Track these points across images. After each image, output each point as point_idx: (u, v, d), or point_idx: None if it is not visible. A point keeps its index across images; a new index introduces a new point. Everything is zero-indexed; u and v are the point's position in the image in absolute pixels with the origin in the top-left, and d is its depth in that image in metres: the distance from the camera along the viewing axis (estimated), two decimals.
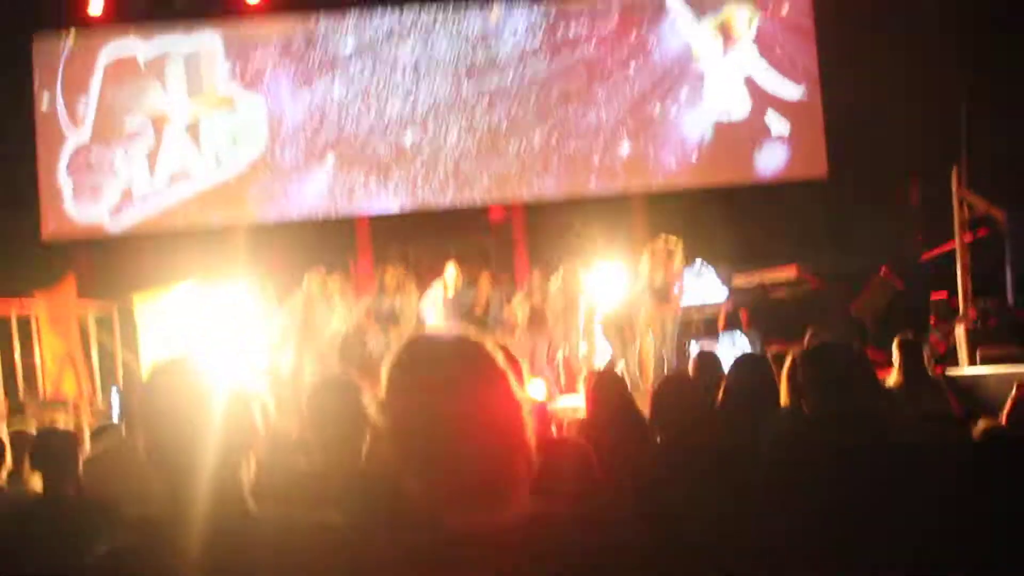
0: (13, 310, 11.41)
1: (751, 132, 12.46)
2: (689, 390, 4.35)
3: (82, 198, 12.09)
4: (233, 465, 2.00)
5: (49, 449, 4.23)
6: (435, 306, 11.03)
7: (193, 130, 12.24)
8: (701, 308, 11.93)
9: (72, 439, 4.32)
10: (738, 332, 11.82)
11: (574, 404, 9.27)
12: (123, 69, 12.61)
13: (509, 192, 12.66)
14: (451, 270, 11.49)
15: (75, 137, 12.15)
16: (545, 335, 11.11)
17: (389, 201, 12.32)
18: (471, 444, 1.76)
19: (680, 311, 10.92)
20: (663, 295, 11.05)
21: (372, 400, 3.29)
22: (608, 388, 5.39)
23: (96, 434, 5.25)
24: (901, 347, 6.49)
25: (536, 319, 11.25)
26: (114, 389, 11.17)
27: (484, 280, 11.43)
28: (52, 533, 3.75)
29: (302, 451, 4.18)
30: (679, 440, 4.05)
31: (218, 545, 1.90)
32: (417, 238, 12.63)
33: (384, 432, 1.84)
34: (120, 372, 11.59)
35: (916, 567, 2.75)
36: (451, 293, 11.31)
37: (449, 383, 1.80)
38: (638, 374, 10.74)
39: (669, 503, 3.48)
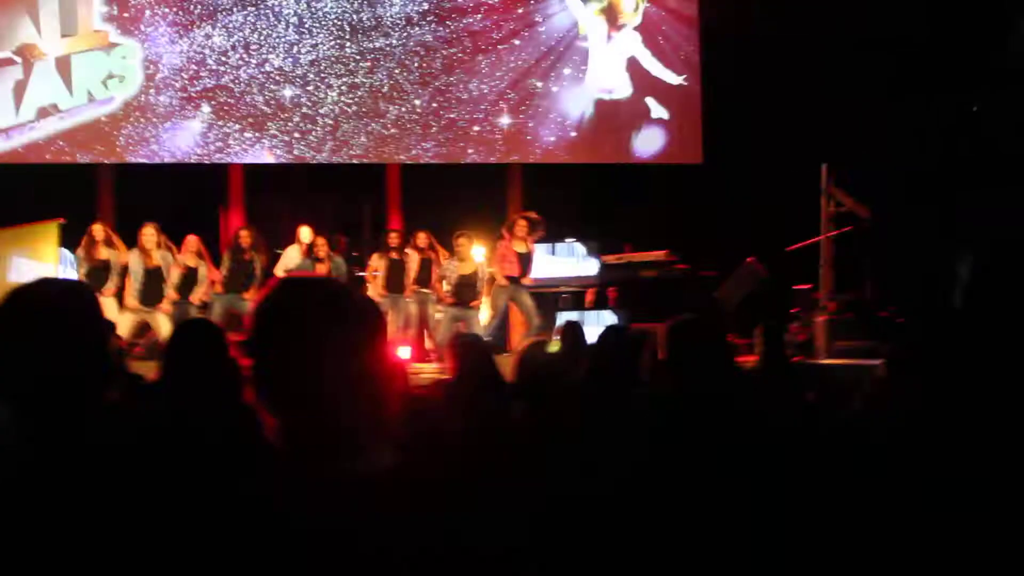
0: None
1: (631, 113, 12.79)
2: (552, 356, 4.50)
3: None
4: (83, 398, 1.96)
5: None
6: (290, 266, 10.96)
7: (64, 65, 12.03)
8: (569, 282, 12.12)
9: None
10: (605, 310, 12.04)
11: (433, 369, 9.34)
12: None
13: (386, 154, 12.58)
14: (305, 231, 11.41)
15: None
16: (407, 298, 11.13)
17: (264, 154, 12.18)
18: (342, 389, 1.75)
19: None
20: (528, 267, 11.64)
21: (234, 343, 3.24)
22: (470, 348, 5.38)
23: None
24: (763, 333, 6.76)
25: (395, 281, 11.12)
26: None
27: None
28: None
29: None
30: (540, 404, 4.18)
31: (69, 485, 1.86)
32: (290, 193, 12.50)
33: (251, 375, 1.79)
34: None
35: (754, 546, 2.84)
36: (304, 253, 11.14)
37: (322, 324, 1.78)
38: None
39: (526, 466, 3.52)
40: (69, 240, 11.66)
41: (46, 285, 2.04)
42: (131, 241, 10.59)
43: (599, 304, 12.41)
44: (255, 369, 1.74)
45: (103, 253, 11.01)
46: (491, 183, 12.75)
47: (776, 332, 7.44)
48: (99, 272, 10.95)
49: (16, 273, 12.15)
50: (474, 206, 12.10)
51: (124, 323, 10.20)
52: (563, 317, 11.82)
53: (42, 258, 11.85)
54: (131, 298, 10.72)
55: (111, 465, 1.84)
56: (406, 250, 10.99)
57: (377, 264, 11.30)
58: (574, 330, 7.17)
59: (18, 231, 11.80)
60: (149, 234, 10.81)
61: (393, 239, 11.32)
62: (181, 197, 11.88)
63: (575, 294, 12.31)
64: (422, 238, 10.95)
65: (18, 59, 11.97)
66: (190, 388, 3.43)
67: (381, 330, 1.80)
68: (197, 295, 10.81)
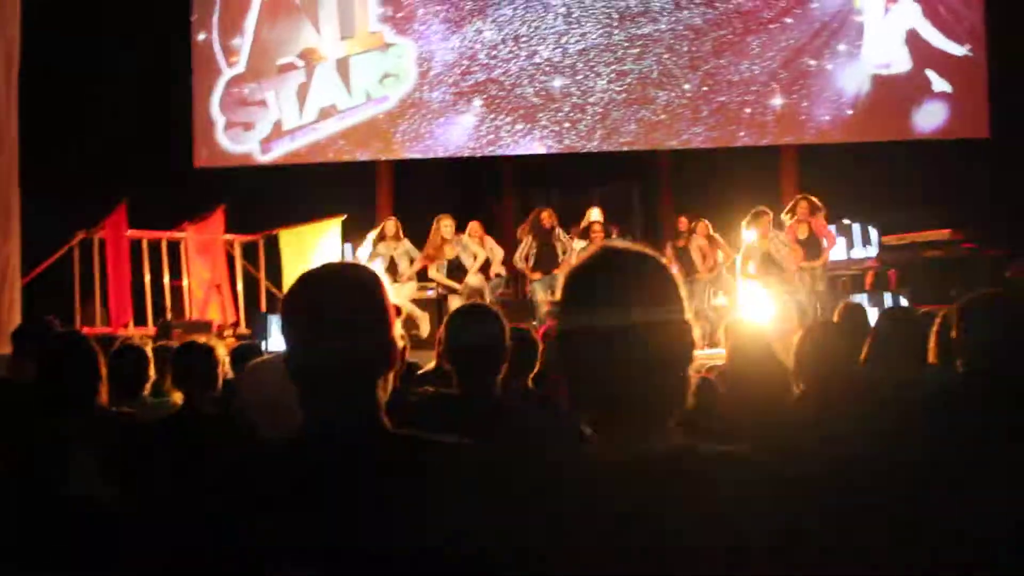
0: (164, 238, 12.31)
1: (911, 88, 13.52)
2: (834, 339, 4.44)
3: (234, 130, 13.80)
4: (371, 382, 2.03)
5: (190, 363, 4.62)
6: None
7: (343, 67, 13.91)
8: (848, 265, 12.22)
9: (212, 354, 4.69)
10: (886, 292, 12.09)
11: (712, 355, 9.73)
12: (277, 6, 15.42)
13: (656, 141, 13.56)
14: (596, 211, 13.08)
15: (229, 71, 13.56)
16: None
17: (535, 145, 12.88)
18: (640, 364, 1.85)
19: (826, 266, 11.22)
20: (813, 250, 12.12)
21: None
22: (747, 335, 5.77)
23: (236, 355, 5.64)
24: None
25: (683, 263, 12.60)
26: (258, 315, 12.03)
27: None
28: (187, 447, 3.98)
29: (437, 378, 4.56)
30: (822, 389, 4.18)
31: (353, 465, 1.97)
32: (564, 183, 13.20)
33: (555, 347, 1.95)
34: (264, 299, 12.51)
35: None
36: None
37: (632, 294, 1.88)
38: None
39: (808, 451, 3.54)
40: (350, 235, 12.54)
41: (333, 269, 2.16)
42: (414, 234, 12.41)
43: (880, 286, 12.57)
44: (560, 343, 1.91)
45: (394, 246, 12.48)
46: (764, 166, 12.87)
47: None
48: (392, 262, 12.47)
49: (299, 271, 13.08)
50: (747, 190, 12.26)
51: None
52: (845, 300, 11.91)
53: (326, 254, 12.90)
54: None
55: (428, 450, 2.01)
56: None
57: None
58: (855, 313, 7.28)
59: (303, 228, 12.85)
60: (447, 225, 12.29)
61: (683, 224, 12.79)
62: (455, 190, 12.61)
63: (854, 276, 12.38)
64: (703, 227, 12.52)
65: (301, 63, 13.63)
66: (467, 376, 3.60)
67: (681, 301, 1.93)
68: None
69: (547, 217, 12.55)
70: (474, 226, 12.68)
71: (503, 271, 12.64)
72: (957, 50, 14.06)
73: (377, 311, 2.04)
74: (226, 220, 13.71)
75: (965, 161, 13.61)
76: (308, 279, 2.08)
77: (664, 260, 1.96)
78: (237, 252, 14.13)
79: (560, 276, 11.74)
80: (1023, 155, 13.16)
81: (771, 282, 12.12)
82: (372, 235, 12.42)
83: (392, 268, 12.15)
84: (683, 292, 1.91)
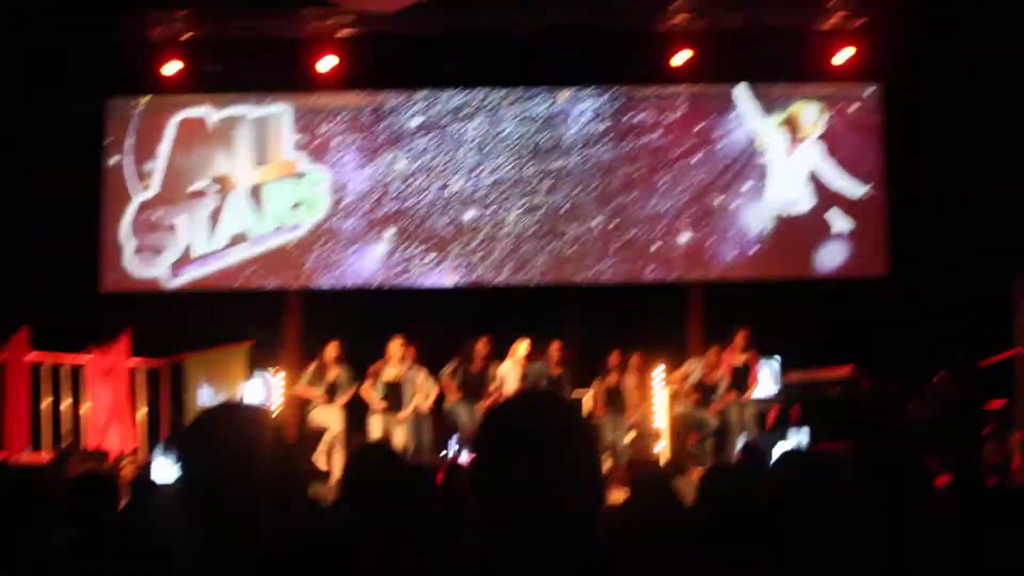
0: (67, 362, 12.31)
1: (812, 228, 14.11)
2: (736, 481, 4.62)
3: (143, 255, 14.12)
4: (278, 505, 2.17)
5: (85, 494, 4.72)
6: (510, 375, 12.97)
7: (256, 194, 14.65)
8: (753, 403, 12.58)
9: (109, 484, 4.84)
10: (789, 429, 12.44)
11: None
12: (192, 133, 14.98)
13: (566, 275, 14.95)
14: (523, 345, 13.32)
15: (140, 196, 13.59)
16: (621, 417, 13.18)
17: (446, 276, 13.21)
18: (549, 515, 1.94)
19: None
20: (743, 382, 13.12)
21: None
22: (647, 475, 5.70)
23: (136, 484, 5.74)
24: (957, 454, 7.09)
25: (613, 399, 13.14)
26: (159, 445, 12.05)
27: (554, 350, 13.27)
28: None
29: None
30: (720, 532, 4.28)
31: None
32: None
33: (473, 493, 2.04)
34: (167, 428, 12.50)
35: None
36: (522, 364, 13.30)
37: (545, 447, 1.96)
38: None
39: None
40: (258, 362, 12.67)
41: (228, 410, 2.31)
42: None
43: (782, 424, 12.84)
44: (479, 475, 2.03)
45: (334, 371, 12.80)
46: (672, 301, 13.27)
47: (970, 453, 7.66)
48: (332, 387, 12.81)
49: (207, 397, 13.33)
50: (656, 324, 12.62)
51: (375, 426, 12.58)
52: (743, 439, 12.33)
53: (232, 380, 12.97)
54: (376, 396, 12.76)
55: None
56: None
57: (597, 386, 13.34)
58: (756, 452, 7.44)
59: (210, 355, 12.92)
60: (397, 346, 12.77)
61: (614, 360, 13.24)
62: (365, 319, 12.81)
63: (757, 414, 12.72)
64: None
65: (214, 189, 13.94)
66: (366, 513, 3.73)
67: (596, 446, 2.08)
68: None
69: (482, 346, 12.91)
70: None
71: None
72: (857, 191, 14.70)
73: (276, 446, 2.18)
74: (131, 345, 13.76)
75: (866, 298, 14.12)
76: (202, 420, 2.24)
77: (580, 410, 2.12)
78: (141, 378, 14.06)
79: (480, 410, 12.06)
80: (921, 293, 13.70)
81: (700, 409, 12.87)
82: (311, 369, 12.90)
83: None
84: (595, 442, 2.08)
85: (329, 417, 12.50)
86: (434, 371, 12.93)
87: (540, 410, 2.04)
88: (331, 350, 12.80)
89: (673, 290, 14.88)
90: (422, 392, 12.72)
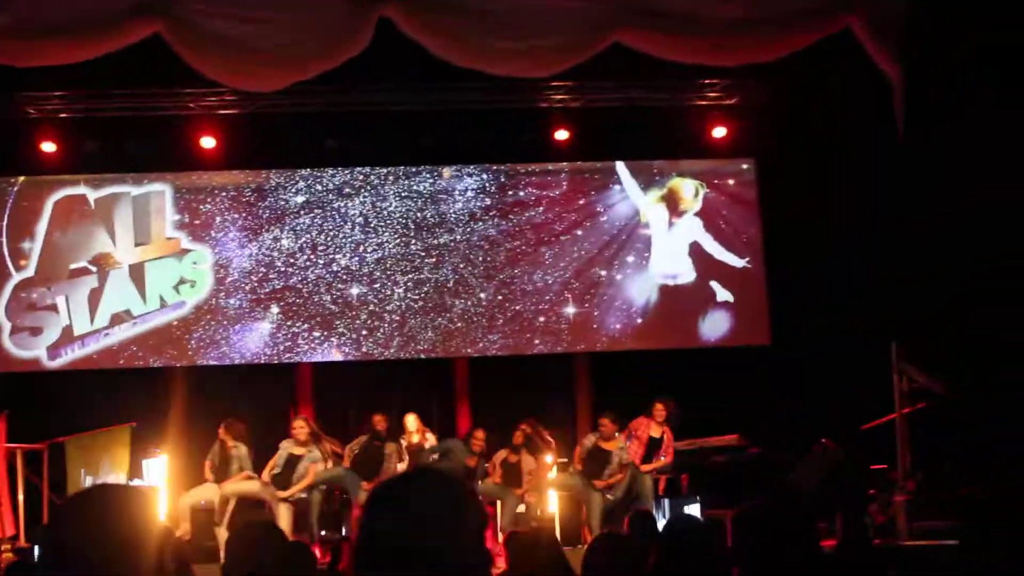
0: None
1: (696, 298, 14.47)
2: (623, 549, 4.81)
3: (21, 335, 13.58)
4: None
5: None
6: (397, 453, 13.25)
7: (137, 272, 14.34)
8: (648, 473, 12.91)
9: None
10: (678, 497, 12.69)
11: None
12: (71, 211, 14.91)
13: (453, 348, 14.77)
14: (412, 419, 13.63)
15: (18, 275, 13.38)
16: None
17: (332, 352, 13.24)
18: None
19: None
20: (654, 453, 13.44)
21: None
22: (532, 547, 5.96)
23: (12, 572, 5.72)
24: (842, 516, 7.32)
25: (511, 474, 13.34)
26: (38, 530, 11.77)
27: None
28: None
29: None
30: None
31: None
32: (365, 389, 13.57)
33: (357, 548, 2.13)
34: (46, 513, 12.24)
35: None
36: (414, 439, 13.60)
37: (424, 511, 2.06)
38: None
39: None
40: (141, 443, 12.57)
41: (103, 491, 2.35)
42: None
43: (671, 492, 13.05)
44: (362, 545, 2.11)
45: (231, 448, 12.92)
46: (559, 373, 13.53)
47: (855, 514, 7.87)
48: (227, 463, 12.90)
49: (88, 480, 13.14)
50: (543, 395, 12.87)
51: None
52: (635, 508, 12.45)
53: (114, 462, 12.82)
54: (266, 474, 12.81)
55: None
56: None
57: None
58: (643, 520, 7.59)
59: (92, 437, 12.79)
60: (299, 425, 12.97)
61: (518, 436, 13.43)
62: (252, 397, 12.81)
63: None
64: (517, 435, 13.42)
65: (94, 268, 13.82)
66: None
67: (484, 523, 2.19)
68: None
69: (379, 420, 13.02)
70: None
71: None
72: (737, 262, 15.18)
73: (139, 531, 2.21)
74: (8, 428, 13.49)
75: (751, 367, 14.52)
76: (73, 502, 2.28)
77: (463, 482, 2.23)
78: (19, 462, 13.69)
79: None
80: (801, 362, 14.13)
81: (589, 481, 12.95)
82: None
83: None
84: (478, 513, 2.15)
85: (210, 492, 12.55)
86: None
87: (423, 483, 2.16)
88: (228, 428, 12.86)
89: (560, 360, 15.17)
90: (312, 470, 12.79)
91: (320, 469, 12.80)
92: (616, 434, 13.18)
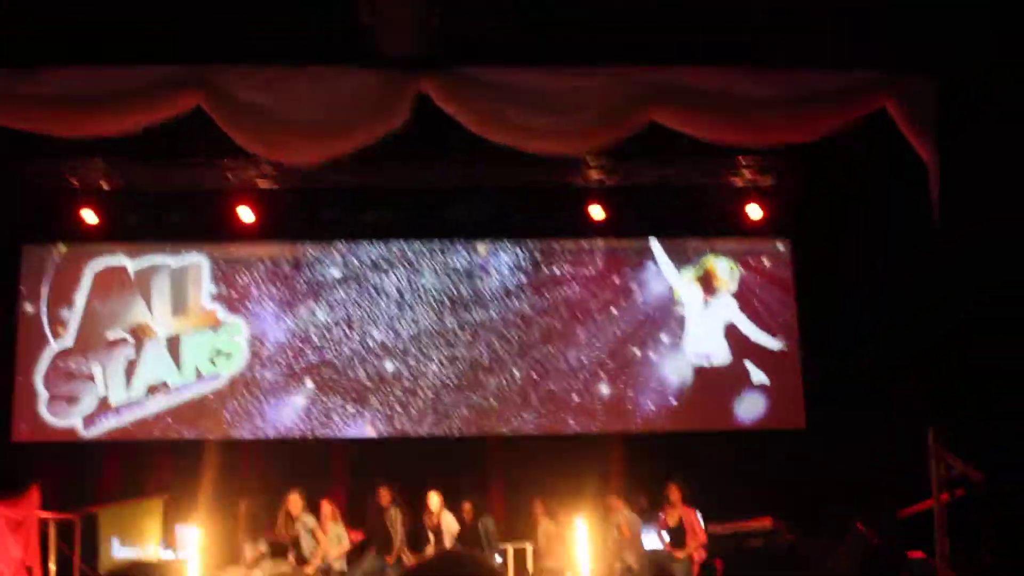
0: None
1: (731, 380, 14.57)
2: None
3: (57, 404, 13.90)
4: None
5: None
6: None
7: (174, 344, 14.92)
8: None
9: None
10: None
11: None
12: (110, 281, 15.10)
13: (487, 427, 15.16)
14: (435, 498, 13.77)
15: (56, 344, 13.53)
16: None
17: (366, 428, 13.35)
18: None
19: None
20: (679, 539, 13.34)
21: None
22: None
23: None
24: None
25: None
26: None
27: (467, 508, 13.92)
28: None
29: None
30: None
31: None
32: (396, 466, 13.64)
33: None
34: None
35: None
36: (436, 520, 13.75)
37: None
38: None
39: None
40: (173, 516, 12.66)
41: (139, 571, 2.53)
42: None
43: None
44: None
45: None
46: (592, 452, 13.56)
47: None
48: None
49: (120, 552, 13.22)
50: (575, 476, 12.87)
51: None
52: None
53: (146, 534, 12.88)
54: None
55: None
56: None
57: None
58: None
59: (124, 507, 12.86)
60: (294, 500, 13.20)
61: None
62: (285, 471, 12.89)
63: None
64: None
65: (131, 339, 13.67)
66: None
67: None
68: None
69: (384, 494, 13.33)
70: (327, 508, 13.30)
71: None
72: (773, 344, 15.19)
73: None
74: (41, 497, 13.59)
75: (786, 450, 14.43)
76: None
77: (495, 568, 2.26)
78: (52, 531, 13.70)
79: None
80: (837, 445, 14.04)
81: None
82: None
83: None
84: None
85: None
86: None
87: (457, 569, 2.18)
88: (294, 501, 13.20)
89: (593, 440, 15.05)
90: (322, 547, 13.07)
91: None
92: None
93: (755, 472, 14.35)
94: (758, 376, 15.17)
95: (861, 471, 13.82)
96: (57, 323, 14.70)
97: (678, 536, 13.30)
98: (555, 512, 13.65)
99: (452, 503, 13.99)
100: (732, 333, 15.27)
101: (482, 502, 14.33)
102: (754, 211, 15.07)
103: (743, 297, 15.37)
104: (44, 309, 14.70)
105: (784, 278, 15.39)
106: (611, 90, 10.66)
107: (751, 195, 15.06)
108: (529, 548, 13.99)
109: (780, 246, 15.48)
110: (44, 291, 14.74)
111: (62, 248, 14.90)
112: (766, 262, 15.48)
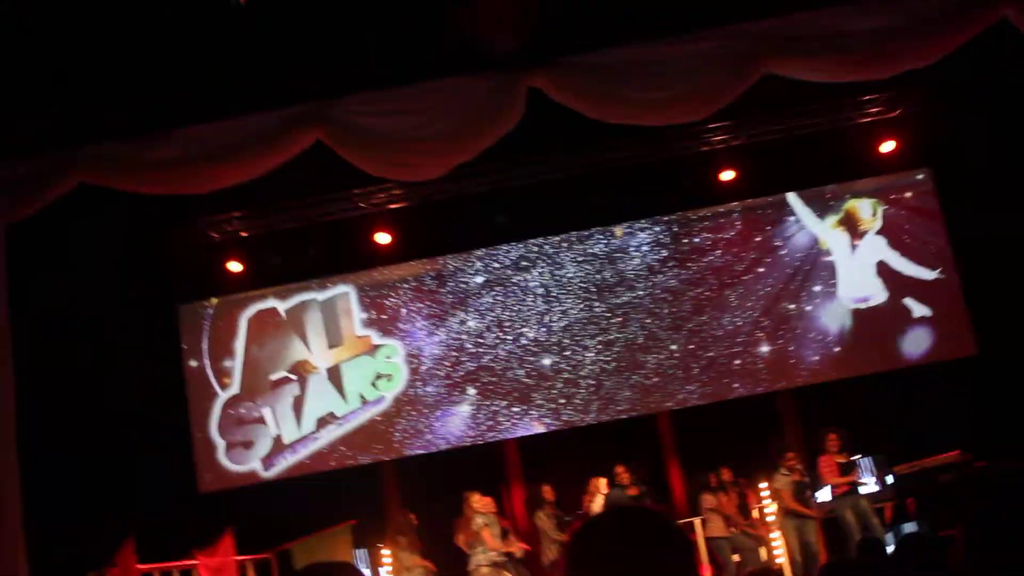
0: (176, 569, 12.92)
1: (892, 317, 14.80)
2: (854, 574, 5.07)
3: (235, 450, 14.70)
4: None
5: None
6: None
7: (335, 375, 15.38)
8: (865, 497, 12.89)
9: None
10: (908, 523, 12.69)
11: None
12: (265, 325, 15.93)
13: (653, 404, 15.49)
14: (603, 481, 14.32)
15: (224, 393, 14.19)
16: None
17: (534, 425, 13.84)
18: None
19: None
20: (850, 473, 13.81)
21: None
22: None
23: None
24: None
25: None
26: None
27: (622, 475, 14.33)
28: None
29: None
30: None
31: None
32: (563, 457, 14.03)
33: None
34: None
35: None
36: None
37: (636, 551, 2.05)
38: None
39: None
40: (362, 540, 13.21)
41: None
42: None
43: (900, 518, 13.05)
44: None
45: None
46: (763, 412, 13.76)
47: None
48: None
49: None
50: (751, 438, 13.09)
51: None
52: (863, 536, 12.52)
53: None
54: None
55: None
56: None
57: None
58: (873, 549, 7.56)
59: (315, 540, 13.42)
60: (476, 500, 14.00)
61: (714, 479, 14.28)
62: (462, 480, 13.37)
63: (873, 509, 12.99)
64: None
65: (294, 376, 14.30)
66: None
67: (694, 555, 2.17)
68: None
69: (547, 491, 14.03)
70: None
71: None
72: (929, 275, 15.27)
73: None
74: (236, 542, 14.30)
75: (961, 379, 14.39)
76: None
77: (668, 518, 2.16)
78: (250, 573, 14.64)
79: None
80: (1012, 366, 13.94)
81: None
82: None
83: None
84: (689, 547, 2.13)
85: None
86: None
87: (628, 520, 2.18)
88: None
89: (763, 400, 15.41)
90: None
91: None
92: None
93: (934, 407, 14.35)
94: (919, 309, 15.22)
95: None
96: (222, 374, 15.49)
97: (849, 471, 13.64)
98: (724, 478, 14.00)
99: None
100: (885, 271, 15.37)
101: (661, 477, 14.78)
102: (887, 146, 15.19)
103: (891, 233, 15.46)
104: (207, 362, 15.51)
105: (930, 207, 15.41)
106: (721, 51, 10.85)
107: (881, 131, 15.17)
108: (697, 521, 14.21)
109: (920, 176, 15.52)
110: (204, 346, 15.56)
111: (214, 301, 15.71)
112: (908, 195, 15.54)
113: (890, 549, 7.99)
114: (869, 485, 13.80)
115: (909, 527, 13.52)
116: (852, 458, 13.50)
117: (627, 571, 1.99)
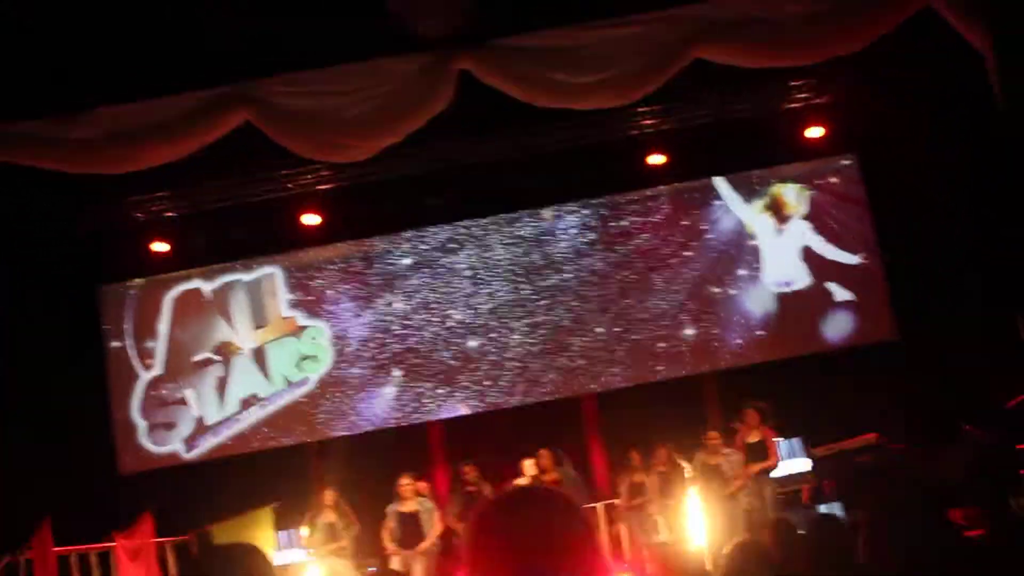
0: (93, 551, 12.89)
1: (815, 301, 14.97)
2: (765, 557, 5.09)
3: (157, 432, 14.61)
4: None
5: None
6: None
7: (260, 356, 15.53)
8: (783, 483, 13.08)
9: None
10: (824, 504, 12.94)
11: None
12: (189, 306, 15.90)
13: (578, 386, 15.64)
14: (529, 464, 14.12)
15: (147, 374, 14.16)
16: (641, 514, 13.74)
17: (459, 407, 13.90)
18: None
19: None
20: (760, 456, 13.58)
21: None
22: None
23: None
24: (990, 500, 7.33)
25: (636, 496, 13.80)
26: None
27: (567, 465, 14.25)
28: None
29: None
30: None
31: None
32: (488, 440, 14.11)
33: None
34: None
35: None
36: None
37: (539, 531, 2.03)
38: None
39: None
40: (285, 522, 13.20)
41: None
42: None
43: (817, 499, 13.32)
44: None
45: (329, 516, 13.50)
46: (686, 396, 13.88)
47: (1004, 498, 7.84)
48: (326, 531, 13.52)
49: None
50: (673, 421, 13.23)
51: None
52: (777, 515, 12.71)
53: (261, 544, 13.32)
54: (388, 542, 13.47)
55: None
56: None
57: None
58: (786, 528, 7.72)
59: (236, 522, 13.44)
60: (405, 483, 13.42)
61: (636, 458, 13.92)
62: (386, 462, 13.42)
63: (791, 493, 13.19)
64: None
65: (218, 357, 14.26)
66: None
67: (599, 538, 2.26)
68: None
69: (468, 471, 13.66)
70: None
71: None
72: (851, 259, 15.51)
73: None
74: (155, 523, 14.26)
75: (881, 364, 14.65)
76: None
77: (566, 498, 2.14)
78: (170, 556, 14.51)
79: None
80: (932, 351, 14.24)
81: (713, 493, 13.37)
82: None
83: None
84: (588, 527, 2.11)
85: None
86: None
87: (525, 500, 2.18)
88: (328, 496, 13.60)
89: (688, 383, 15.55)
90: (437, 525, 13.46)
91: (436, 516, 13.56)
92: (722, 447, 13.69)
93: (853, 391, 14.65)
94: (842, 294, 15.46)
95: (961, 373, 14.00)
96: (144, 355, 15.48)
97: (759, 452, 13.59)
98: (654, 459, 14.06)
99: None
100: (809, 256, 15.59)
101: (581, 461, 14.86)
102: (814, 132, 15.38)
103: (816, 218, 15.68)
104: (130, 343, 15.48)
105: (855, 192, 15.63)
106: (651, 36, 10.96)
107: (809, 116, 15.36)
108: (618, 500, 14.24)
109: (846, 162, 15.73)
110: (127, 326, 15.52)
111: (138, 282, 15.69)
112: (834, 180, 15.75)
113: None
114: (786, 467, 14.07)
115: (824, 508, 13.74)
116: (774, 439, 13.68)
117: (522, 552, 1.99)
